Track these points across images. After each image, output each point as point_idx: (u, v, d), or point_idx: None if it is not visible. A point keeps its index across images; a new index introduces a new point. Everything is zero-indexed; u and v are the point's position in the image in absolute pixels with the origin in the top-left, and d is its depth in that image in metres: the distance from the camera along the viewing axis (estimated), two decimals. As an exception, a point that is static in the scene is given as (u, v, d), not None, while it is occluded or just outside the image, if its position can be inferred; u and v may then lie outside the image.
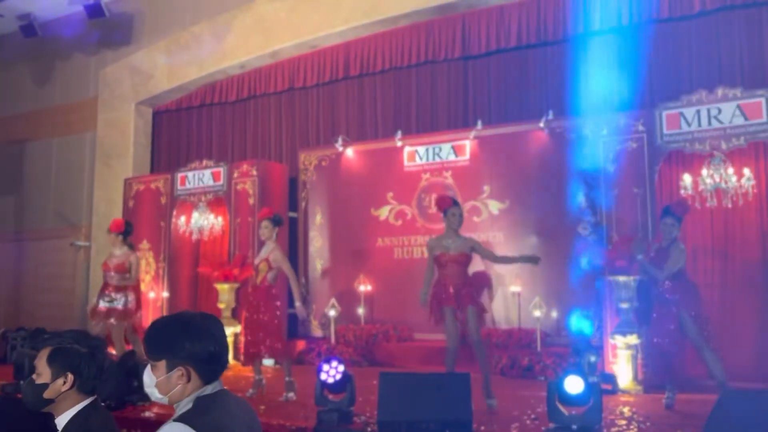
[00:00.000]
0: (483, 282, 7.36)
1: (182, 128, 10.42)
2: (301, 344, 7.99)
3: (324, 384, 4.35)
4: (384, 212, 8.18)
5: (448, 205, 5.23)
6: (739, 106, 5.87)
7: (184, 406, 1.68)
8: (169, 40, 9.90)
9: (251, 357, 5.60)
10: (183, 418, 1.61)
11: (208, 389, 1.71)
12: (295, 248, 8.60)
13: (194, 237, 8.59)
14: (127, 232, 6.75)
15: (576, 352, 6.10)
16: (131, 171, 10.01)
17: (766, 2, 6.74)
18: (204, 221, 8.43)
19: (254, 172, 8.25)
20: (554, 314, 6.96)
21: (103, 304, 6.53)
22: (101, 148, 10.47)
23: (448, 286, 5.04)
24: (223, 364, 1.76)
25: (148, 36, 10.18)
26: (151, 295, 8.57)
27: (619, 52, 7.59)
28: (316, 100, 9.31)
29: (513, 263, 5.96)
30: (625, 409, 4.91)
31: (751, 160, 5.98)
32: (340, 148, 8.40)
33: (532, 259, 5.27)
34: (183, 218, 8.69)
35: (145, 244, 8.80)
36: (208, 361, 1.71)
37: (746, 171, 5.86)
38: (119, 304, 6.48)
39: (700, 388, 5.14)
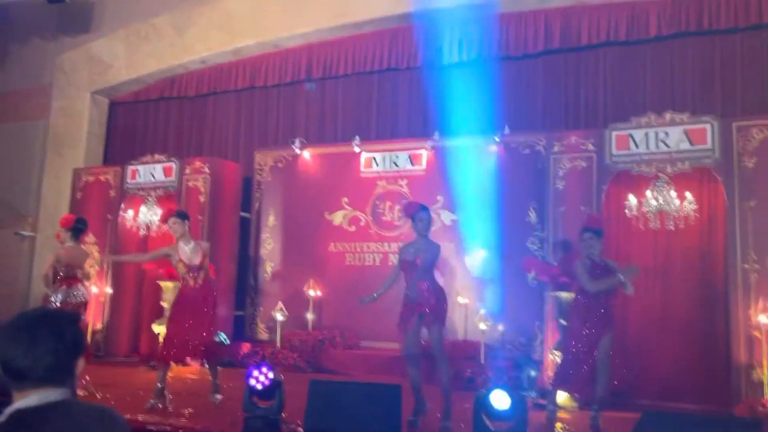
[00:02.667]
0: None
1: (138, 121, 10.18)
2: (246, 347, 7.84)
3: (253, 390, 4.24)
4: (338, 217, 8.11)
5: (415, 210, 5.07)
6: (685, 131, 5.98)
7: None
8: (129, 30, 9.68)
9: (180, 358, 5.33)
10: None
11: None
12: (246, 249, 8.47)
13: (142, 232, 8.37)
14: (76, 228, 6.39)
15: (516, 367, 6.12)
16: (83, 162, 9.73)
17: (719, 31, 6.91)
18: (153, 216, 8.23)
19: (206, 170, 8.10)
20: (500, 327, 6.96)
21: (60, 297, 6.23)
22: (53, 137, 10.15)
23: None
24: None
25: (108, 24, 9.92)
26: (94, 290, 8.30)
27: (577, 70, 7.72)
28: (276, 101, 9.21)
29: None
30: (558, 425, 4.91)
31: (695, 184, 6.08)
32: (298, 150, 8.31)
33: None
34: (131, 212, 8.47)
35: (90, 238, 8.51)
36: None
37: (688, 195, 5.96)
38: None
39: (626, 406, 5.15)
